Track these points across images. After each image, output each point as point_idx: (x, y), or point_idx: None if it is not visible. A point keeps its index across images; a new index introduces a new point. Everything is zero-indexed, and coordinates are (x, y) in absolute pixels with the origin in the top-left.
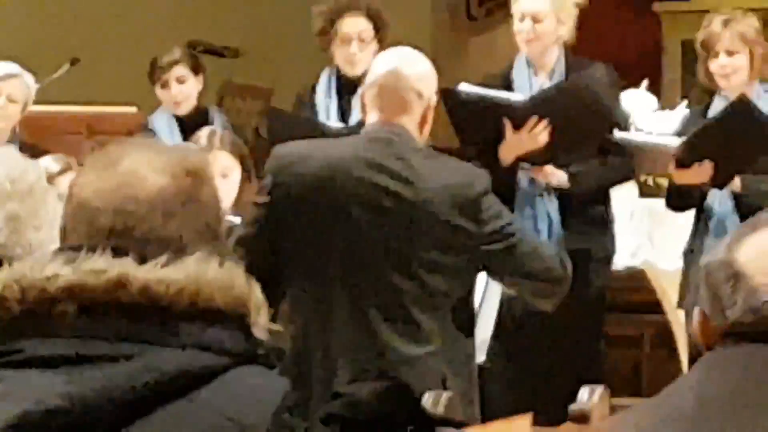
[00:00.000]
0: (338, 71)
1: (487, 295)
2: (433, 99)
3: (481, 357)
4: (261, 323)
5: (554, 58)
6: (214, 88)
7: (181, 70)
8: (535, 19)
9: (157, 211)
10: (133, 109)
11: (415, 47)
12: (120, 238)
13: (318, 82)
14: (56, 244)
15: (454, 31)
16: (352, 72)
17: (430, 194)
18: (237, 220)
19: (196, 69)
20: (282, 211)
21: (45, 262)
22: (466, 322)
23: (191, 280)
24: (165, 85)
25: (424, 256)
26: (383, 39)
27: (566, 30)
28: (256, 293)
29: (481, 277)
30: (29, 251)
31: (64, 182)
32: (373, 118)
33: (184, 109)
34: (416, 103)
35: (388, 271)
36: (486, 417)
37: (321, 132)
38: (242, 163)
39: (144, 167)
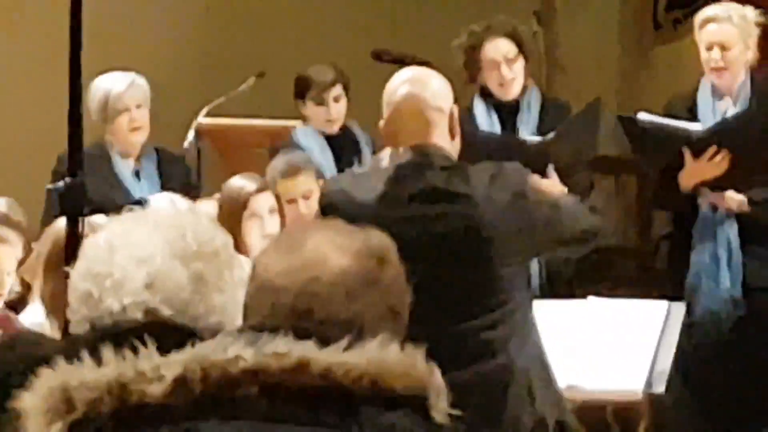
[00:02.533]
0: (491, 97)
1: (668, 324)
2: (455, 108)
3: (659, 388)
4: (440, 407)
5: (740, 82)
6: None
7: (339, 89)
8: (724, 48)
9: (340, 293)
10: None
11: (602, 57)
12: (302, 318)
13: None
14: (239, 309)
15: (640, 41)
16: (507, 97)
17: (474, 210)
18: None
19: (347, 88)
20: None
21: (227, 343)
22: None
23: (372, 365)
24: (320, 103)
25: (495, 261)
26: (527, 57)
27: (752, 53)
28: (436, 377)
29: (662, 307)
30: (212, 312)
31: (259, 202)
32: (402, 146)
33: (335, 128)
34: (440, 119)
35: (464, 289)
36: None
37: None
38: None
39: (327, 248)
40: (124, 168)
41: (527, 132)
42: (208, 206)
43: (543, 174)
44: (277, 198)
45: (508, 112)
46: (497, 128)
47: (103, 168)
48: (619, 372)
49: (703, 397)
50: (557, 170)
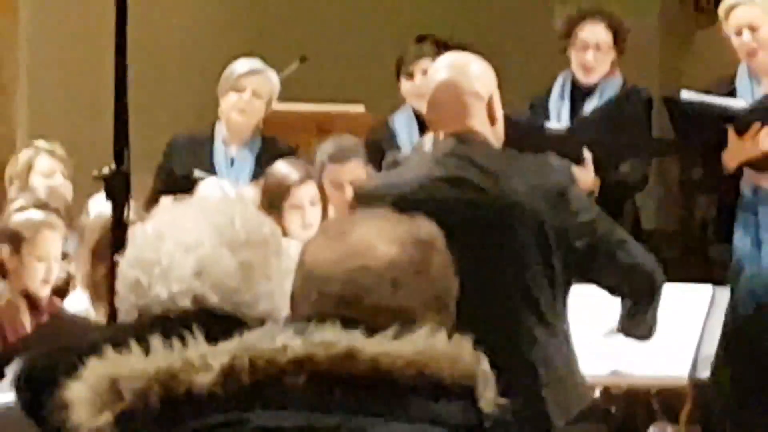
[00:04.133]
0: (573, 76)
1: (713, 309)
2: (495, 93)
3: (704, 373)
4: (488, 396)
5: None
6: None
7: (428, 62)
8: (753, 29)
9: (387, 282)
10: (360, 108)
11: (643, 41)
12: (349, 307)
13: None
14: (286, 298)
15: (682, 24)
16: (585, 80)
17: (515, 197)
18: None
19: None
20: None
21: (275, 332)
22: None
23: (420, 354)
24: (410, 77)
25: (528, 260)
26: (621, 50)
27: None
28: (483, 366)
29: (706, 291)
30: (259, 300)
31: (301, 193)
32: (441, 132)
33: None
34: (478, 105)
35: (501, 288)
36: None
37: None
38: None
39: (375, 237)
40: (220, 154)
41: None
42: (251, 191)
43: (577, 162)
44: (321, 186)
45: (583, 94)
46: (566, 109)
47: (202, 152)
48: (664, 357)
49: (746, 381)
50: (597, 159)
